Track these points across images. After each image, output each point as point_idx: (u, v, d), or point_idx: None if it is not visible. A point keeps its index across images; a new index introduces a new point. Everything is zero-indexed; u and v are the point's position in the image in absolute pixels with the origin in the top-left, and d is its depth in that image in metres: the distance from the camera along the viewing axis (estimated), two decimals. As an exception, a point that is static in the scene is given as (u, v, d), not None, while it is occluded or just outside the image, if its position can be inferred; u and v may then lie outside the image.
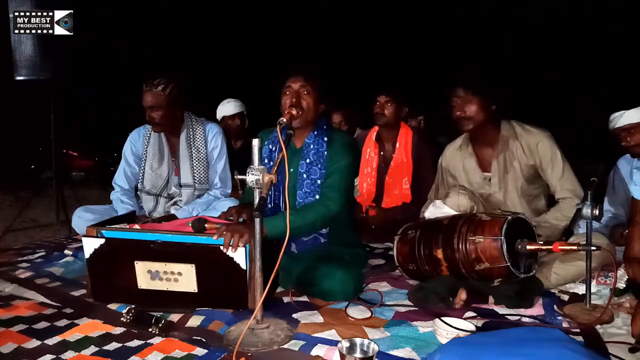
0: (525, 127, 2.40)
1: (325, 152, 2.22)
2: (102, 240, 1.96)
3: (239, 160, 3.11)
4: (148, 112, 2.68)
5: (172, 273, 1.94)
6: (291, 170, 2.24)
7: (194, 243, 1.93)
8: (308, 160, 2.22)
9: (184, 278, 1.94)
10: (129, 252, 1.96)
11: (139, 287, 1.97)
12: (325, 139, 2.24)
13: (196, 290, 1.94)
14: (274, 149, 2.32)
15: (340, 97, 4.35)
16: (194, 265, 1.91)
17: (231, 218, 2.17)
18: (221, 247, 1.85)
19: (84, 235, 2.00)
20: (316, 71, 2.20)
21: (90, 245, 1.97)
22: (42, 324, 1.88)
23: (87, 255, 1.98)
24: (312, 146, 2.23)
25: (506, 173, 2.40)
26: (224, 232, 1.86)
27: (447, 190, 2.52)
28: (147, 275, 1.96)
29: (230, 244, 1.84)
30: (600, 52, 7.93)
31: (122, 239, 1.99)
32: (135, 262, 1.95)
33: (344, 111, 4.26)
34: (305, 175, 2.22)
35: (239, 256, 1.87)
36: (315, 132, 2.24)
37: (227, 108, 3.96)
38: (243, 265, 1.88)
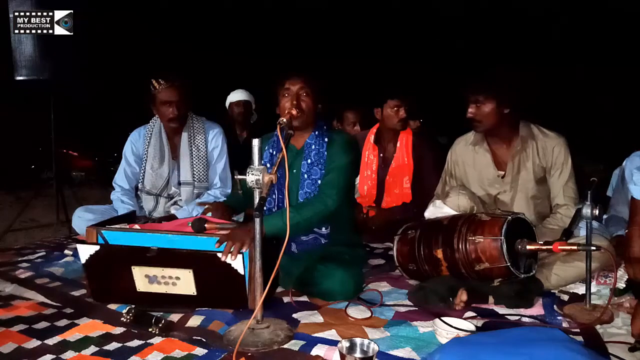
0: (543, 130, 2.42)
1: (326, 153, 2.24)
2: (97, 247, 1.94)
3: (240, 157, 3.10)
4: (167, 108, 2.67)
5: (170, 277, 1.93)
6: (294, 171, 2.26)
7: (191, 250, 1.90)
8: (309, 161, 2.24)
9: (182, 282, 1.93)
10: (124, 258, 1.94)
11: (137, 290, 1.97)
12: (326, 139, 2.26)
13: (195, 293, 1.94)
14: (274, 152, 2.34)
15: (344, 98, 4.35)
16: (191, 271, 1.90)
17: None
18: (219, 255, 1.84)
19: (78, 242, 1.99)
20: (314, 72, 2.21)
21: (85, 251, 1.95)
22: (42, 324, 1.88)
23: (82, 261, 1.97)
24: (313, 147, 2.25)
25: (518, 173, 2.40)
26: (226, 241, 1.86)
27: (451, 187, 2.53)
28: (145, 279, 1.95)
29: (230, 250, 1.84)
30: (600, 51, 7.93)
31: (117, 247, 1.98)
32: (133, 267, 1.93)
33: (360, 110, 4.12)
34: (306, 176, 2.24)
35: (237, 263, 1.86)
36: (316, 133, 2.27)
37: (234, 95, 4.06)
38: (241, 271, 1.87)
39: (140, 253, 1.91)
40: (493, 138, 2.46)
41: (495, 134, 2.42)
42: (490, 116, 2.32)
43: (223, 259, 1.84)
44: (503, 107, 2.31)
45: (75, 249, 2.79)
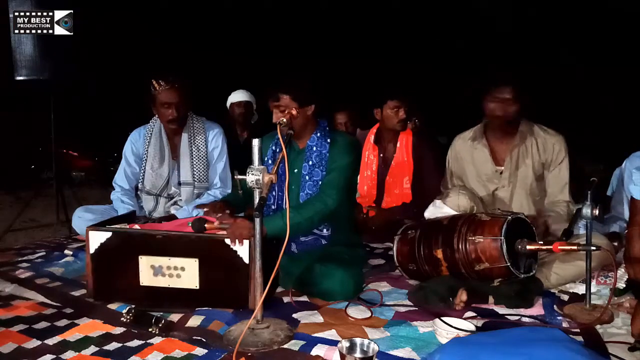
0: (543, 127, 2.44)
1: (328, 154, 2.25)
2: (109, 234, 2.00)
3: (241, 158, 3.11)
4: (167, 110, 2.67)
5: (175, 268, 1.97)
6: (295, 170, 2.28)
7: (198, 235, 1.99)
8: (311, 163, 2.25)
9: (186, 274, 1.97)
10: (134, 246, 2.00)
11: (140, 283, 2.00)
12: (329, 140, 2.27)
13: (197, 287, 1.97)
14: (277, 150, 2.36)
15: (342, 98, 4.34)
16: (197, 260, 1.95)
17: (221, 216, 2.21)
18: (226, 241, 1.91)
19: (91, 228, 2.02)
20: (287, 84, 2.20)
21: (96, 239, 2.00)
22: (42, 324, 1.88)
23: (92, 250, 2.01)
24: (314, 148, 2.26)
25: (517, 169, 2.40)
26: (228, 231, 1.92)
27: (454, 183, 2.53)
28: (150, 271, 1.99)
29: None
30: (600, 51, 7.93)
31: (127, 233, 2.04)
32: (140, 257, 1.98)
33: (349, 112, 4.17)
34: (307, 177, 2.25)
35: (242, 250, 1.90)
36: (318, 134, 2.27)
37: (235, 95, 4.07)
38: (246, 259, 1.91)
39: (149, 239, 1.99)
40: (493, 134, 2.46)
41: (500, 129, 2.42)
42: (516, 114, 2.34)
43: (231, 245, 1.91)
44: (522, 104, 2.33)
45: (76, 248, 2.81)
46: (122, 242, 2.01)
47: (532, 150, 2.39)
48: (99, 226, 2.09)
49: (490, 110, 2.35)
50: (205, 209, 2.37)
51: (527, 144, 2.39)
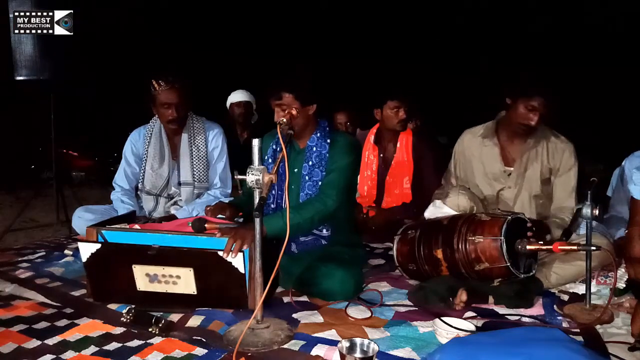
0: (555, 132, 2.44)
1: (327, 155, 2.25)
2: (99, 245, 1.95)
3: (241, 158, 3.11)
4: (166, 110, 2.66)
5: (171, 276, 1.93)
6: (295, 170, 2.27)
7: (191, 248, 1.91)
8: (311, 163, 2.25)
9: (182, 281, 1.93)
10: (126, 257, 1.95)
11: (137, 289, 1.97)
12: (328, 140, 2.27)
13: (195, 293, 1.94)
14: (278, 149, 2.35)
15: (341, 98, 4.35)
16: (192, 269, 1.90)
17: (222, 216, 2.19)
18: (219, 253, 1.85)
19: (80, 240, 1.99)
20: (290, 83, 2.19)
21: (86, 249, 1.95)
22: (42, 324, 1.88)
23: (84, 259, 1.97)
24: (314, 148, 2.26)
25: (525, 170, 2.40)
26: (228, 238, 1.87)
27: (456, 178, 2.53)
28: (145, 278, 1.95)
29: (232, 249, 1.85)
30: (600, 51, 7.93)
31: (118, 244, 1.98)
32: (134, 266, 1.94)
33: (349, 112, 4.20)
34: (307, 177, 2.25)
35: (237, 261, 1.86)
36: (318, 135, 2.27)
37: (235, 96, 4.08)
38: (241, 269, 1.87)
39: (141, 251, 1.91)
40: (508, 134, 2.45)
41: (522, 133, 2.40)
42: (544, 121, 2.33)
43: (224, 256, 1.85)
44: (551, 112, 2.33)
45: (76, 248, 2.80)
46: (113, 253, 1.96)
47: (542, 154, 2.39)
48: (99, 226, 2.07)
49: (522, 117, 2.31)
50: (209, 207, 2.36)
51: (538, 147, 2.40)
